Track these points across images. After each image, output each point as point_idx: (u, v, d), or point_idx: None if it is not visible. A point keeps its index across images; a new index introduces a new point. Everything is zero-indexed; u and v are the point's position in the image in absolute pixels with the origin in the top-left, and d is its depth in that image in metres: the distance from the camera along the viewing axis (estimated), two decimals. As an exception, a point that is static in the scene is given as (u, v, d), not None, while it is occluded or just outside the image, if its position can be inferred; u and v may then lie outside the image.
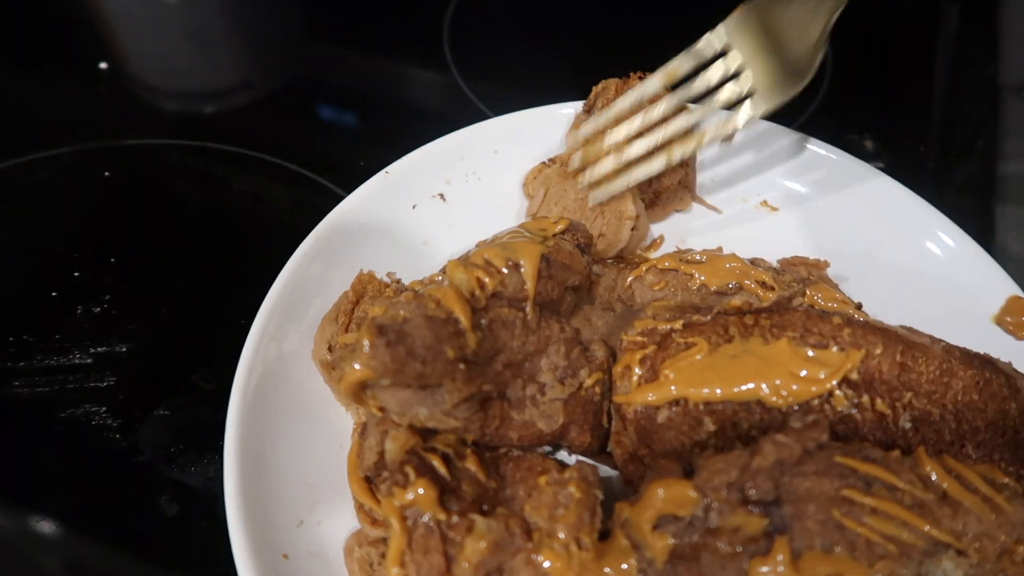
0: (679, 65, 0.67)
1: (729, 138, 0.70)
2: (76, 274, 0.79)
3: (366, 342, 0.51)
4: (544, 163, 0.75)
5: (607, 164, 0.70)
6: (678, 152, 0.68)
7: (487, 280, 0.56)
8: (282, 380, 0.62)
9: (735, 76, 0.66)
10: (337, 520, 0.57)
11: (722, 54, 0.67)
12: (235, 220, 0.86)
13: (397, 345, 0.51)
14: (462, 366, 0.53)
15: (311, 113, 1.00)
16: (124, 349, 0.74)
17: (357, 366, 0.53)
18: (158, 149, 0.92)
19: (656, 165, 0.69)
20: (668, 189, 0.75)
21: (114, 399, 0.70)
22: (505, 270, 0.57)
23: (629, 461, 0.57)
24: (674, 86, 0.68)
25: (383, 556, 0.54)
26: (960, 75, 1.05)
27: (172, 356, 0.74)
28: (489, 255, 0.58)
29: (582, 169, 0.72)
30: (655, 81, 0.68)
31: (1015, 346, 0.64)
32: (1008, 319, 0.66)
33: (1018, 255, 0.78)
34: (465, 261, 0.58)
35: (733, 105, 0.66)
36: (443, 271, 0.60)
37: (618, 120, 0.70)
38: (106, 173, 0.88)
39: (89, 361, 0.73)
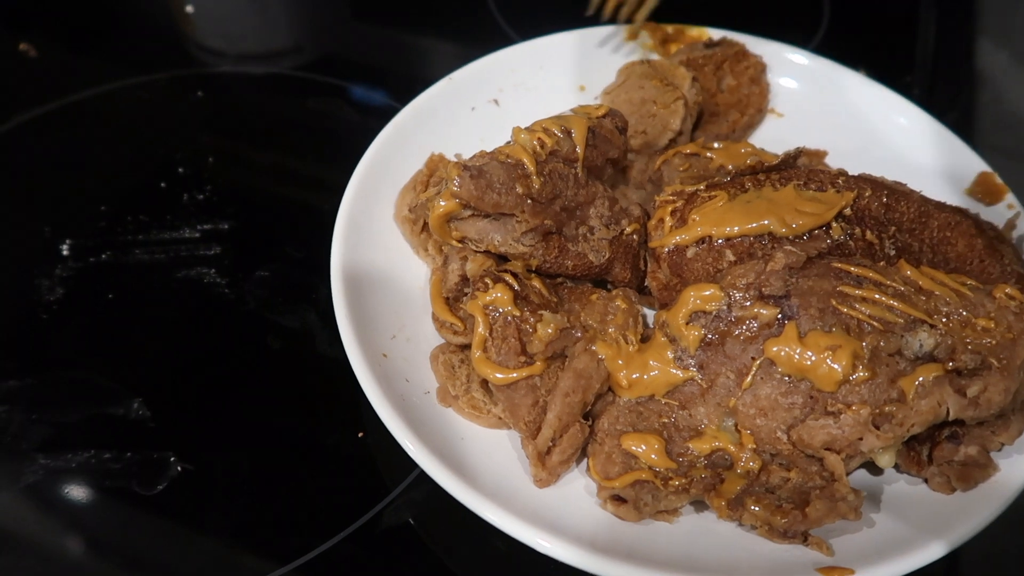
0: None
1: None
2: (180, 170, 0.92)
3: (455, 178, 0.63)
4: (640, 62, 0.88)
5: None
6: None
7: (546, 140, 0.68)
8: (369, 236, 0.74)
9: None
10: (421, 338, 0.69)
11: None
12: (311, 131, 0.99)
13: (479, 178, 0.63)
14: (529, 202, 0.65)
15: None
16: (226, 226, 0.86)
17: (443, 202, 0.65)
18: (240, 75, 1.05)
19: None
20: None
21: (221, 264, 0.83)
22: (560, 134, 0.70)
23: (663, 289, 0.69)
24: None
25: (462, 361, 0.66)
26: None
27: (267, 232, 0.87)
28: (546, 124, 0.70)
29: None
30: None
31: (985, 211, 0.76)
32: (978, 191, 0.78)
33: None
34: (527, 128, 0.70)
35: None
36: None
37: None
38: (200, 93, 1.01)
39: (197, 235, 0.85)
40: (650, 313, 0.73)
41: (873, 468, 0.62)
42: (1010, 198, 0.78)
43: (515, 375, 0.60)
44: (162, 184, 0.89)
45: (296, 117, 1.01)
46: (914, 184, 0.73)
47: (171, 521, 0.65)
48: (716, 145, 0.80)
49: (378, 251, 0.73)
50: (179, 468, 0.67)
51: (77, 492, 0.66)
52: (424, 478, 0.66)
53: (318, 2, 1.22)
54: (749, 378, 0.59)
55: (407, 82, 0.89)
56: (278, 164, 0.95)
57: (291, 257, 0.84)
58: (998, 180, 0.79)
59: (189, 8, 1.12)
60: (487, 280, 0.63)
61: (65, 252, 0.82)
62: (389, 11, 1.18)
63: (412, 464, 0.66)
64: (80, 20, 1.11)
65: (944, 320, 0.58)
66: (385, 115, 0.80)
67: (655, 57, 0.92)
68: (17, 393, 0.72)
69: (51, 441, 0.69)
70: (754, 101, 0.89)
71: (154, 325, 0.78)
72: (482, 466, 0.60)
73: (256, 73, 1.05)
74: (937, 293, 0.59)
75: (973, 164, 0.79)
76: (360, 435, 0.70)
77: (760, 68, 0.91)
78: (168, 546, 0.64)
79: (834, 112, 0.88)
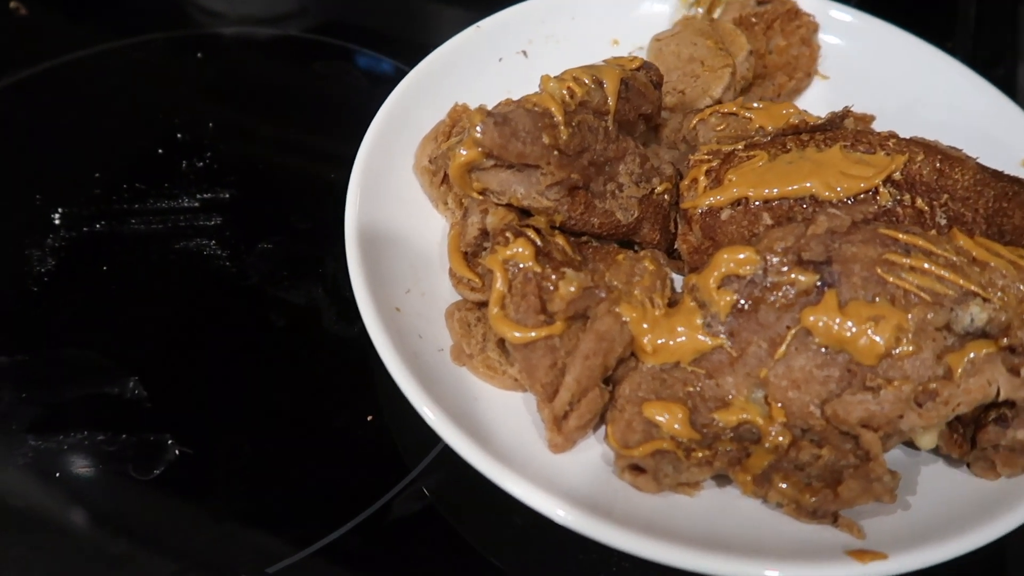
0: None
1: None
2: (179, 136, 0.88)
3: (478, 124, 0.60)
4: (701, 18, 0.85)
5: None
6: None
7: (576, 89, 0.64)
8: (387, 189, 0.70)
9: None
10: (436, 294, 0.66)
11: None
12: (316, 97, 0.95)
13: (503, 126, 0.59)
14: (556, 153, 0.61)
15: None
16: (227, 196, 0.83)
17: (465, 151, 0.61)
18: (243, 36, 1.01)
19: None
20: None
21: (221, 235, 0.79)
22: (591, 84, 0.66)
23: (694, 253, 0.65)
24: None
25: (478, 319, 0.63)
26: None
27: (270, 202, 0.83)
28: (577, 73, 0.66)
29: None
30: None
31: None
32: (1037, 161, 0.73)
33: None
34: (557, 77, 0.66)
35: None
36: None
37: None
38: (198, 55, 0.97)
39: (196, 205, 0.82)
40: (678, 279, 0.69)
41: (912, 448, 0.58)
42: (1070, 171, 0.73)
43: (533, 334, 0.57)
44: (159, 150, 0.86)
45: (301, 82, 0.97)
46: (967, 151, 0.68)
47: (169, 508, 0.62)
48: (756, 105, 0.76)
49: (395, 203, 0.70)
50: (177, 451, 0.64)
51: (70, 475, 0.63)
52: (439, 461, 0.65)
53: None
54: (783, 348, 0.56)
55: (414, 48, 0.84)
56: (282, 131, 0.91)
57: (296, 229, 0.80)
58: (1058, 151, 0.74)
59: None
60: (508, 234, 0.60)
61: (57, 221, 0.79)
62: None
63: (426, 447, 0.65)
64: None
65: (999, 294, 0.54)
66: (393, 81, 0.75)
67: (698, 12, 0.87)
68: (7, 370, 0.68)
69: (42, 421, 0.66)
70: (803, 64, 0.84)
71: (151, 299, 0.74)
72: (496, 429, 0.58)
73: (259, 36, 1.01)
74: (992, 265, 0.55)
75: (1031, 133, 0.75)
76: (369, 418, 0.67)
77: (812, 28, 0.86)
78: (165, 535, 0.61)
79: (882, 73, 0.83)
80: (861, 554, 0.51)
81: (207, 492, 0.63)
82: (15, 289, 0.74)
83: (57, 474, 0.63)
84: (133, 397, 0.67)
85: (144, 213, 0.81)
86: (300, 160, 0.89)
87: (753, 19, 0.85)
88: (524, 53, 0.83)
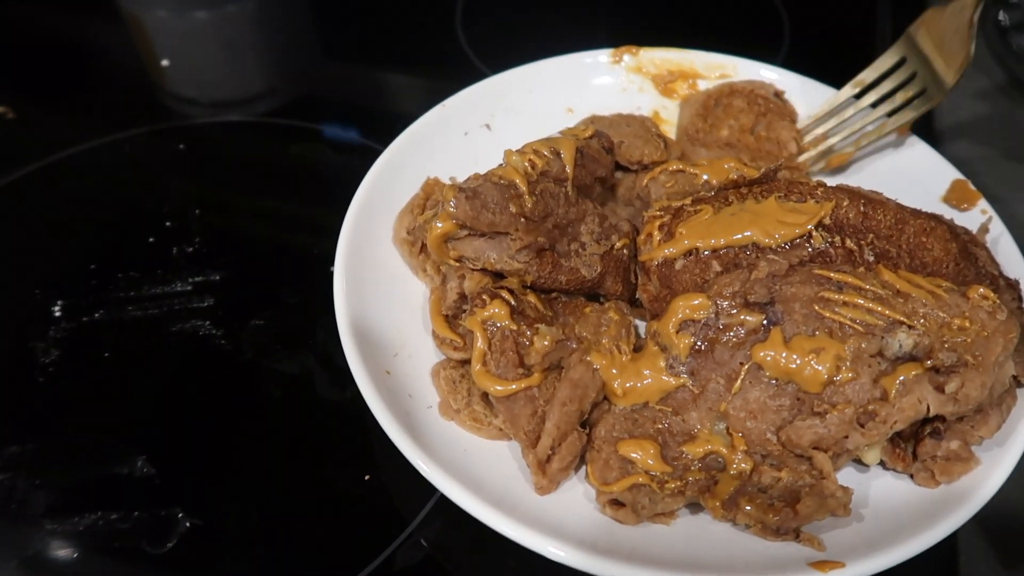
0: (865, 76, 0.89)
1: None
2: (168, 224, 0.93)
3: (452, 199, 0.66)
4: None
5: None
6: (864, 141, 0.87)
7: (537, 161, 0.71)
8: (370, 260, 0.76)
9: (908, 81, 0.86)
10: (423, 356, 0.71)
11: (898, 65, 0.87)
12: (293, 175, 1.01)
13: (474, 199, 0.66)
14: (523, 220, 0.67)
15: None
16: (218, 277, 0.87)
17: (440, 224, 0.68)
18: (219, 125, 1.07)
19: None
20: None
21: (215, 315, 0.84)
22: (549, 155, 0.73)
23: (654, 301, 0.72)
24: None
25: (463, 376, 0.69)
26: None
27: (259, 280, 0.88)
28: (536, 146, 0.73)
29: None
30: (847, 89, 0.89)
31: (960, 217, 0.79)
32: (953, 197, 0.81)
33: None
34: (518, 150, 0.73)
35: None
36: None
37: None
38: (180, 146, 1.03)
39: (189, 288, 0.86)
40: (642, 324, 0.75)
41: (861, 465, 0.65)
42: (983, 204, 0.81)
43: (514, 386, 0.63)
44: (150, 239, 0.91)
45: (277, 162, 1.03)
46: (891, 194, 0.76)
47: (184, 578, 0.65)
48: (702, 162, 0.84)
49: (379, 274, 0.76)
50: (188, 524, 0.68)
51: (87, 556, 0.66)
52: (435, 513, 0.69)
53: (290, 44, 1.24)
54: (738, 383, 0.62)
55: (384, 119, 0.90)
56: (264, 210, 0.97)
57: (286, 303, 0.85)
58: (971, 187, 0.82)
59: (165, 62, 1.15)
60: (484, 296, 0.66)
61: (57, 313, 0.83)
62: (361, 49, 1.21)
63: (422, 501, 0.69)
64: (56, 79, 1.12)
65: (922, 321, 0.61)
66: (364, 153, 0.81)
67: (644, 83, 0.95)
68: (19, 459, 0.72)
69: (57, 505, 0.69)
70: (766, 159, 0.89)
71: (152, 381, 0.79)
72: (486, 477, 0.62)
73: (233, 121, 1.07)
74: (914, 295, 0.62)
75: (947, 172, 0.83)
76: (367, 477, 0.71)
77: (793, 134, 0.90)
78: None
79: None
80: (822, 564, 0.56)
81: (218, 560, 0.67)
82: (22, 380, 0.78)
83: (75, 555, 0.66)
84: (142, 475, 0.71)
85: (140, 300, 0.85)
86: (284, 236, 0.95)
87: (760, 100, 0.90)
88: (487, 126, 0.90)
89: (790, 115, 0.91)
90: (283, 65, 1.21)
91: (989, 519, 0.62)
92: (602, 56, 0.95)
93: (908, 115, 0.85)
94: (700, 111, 0.91)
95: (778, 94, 0.92)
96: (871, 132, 0.87)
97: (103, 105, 1.09)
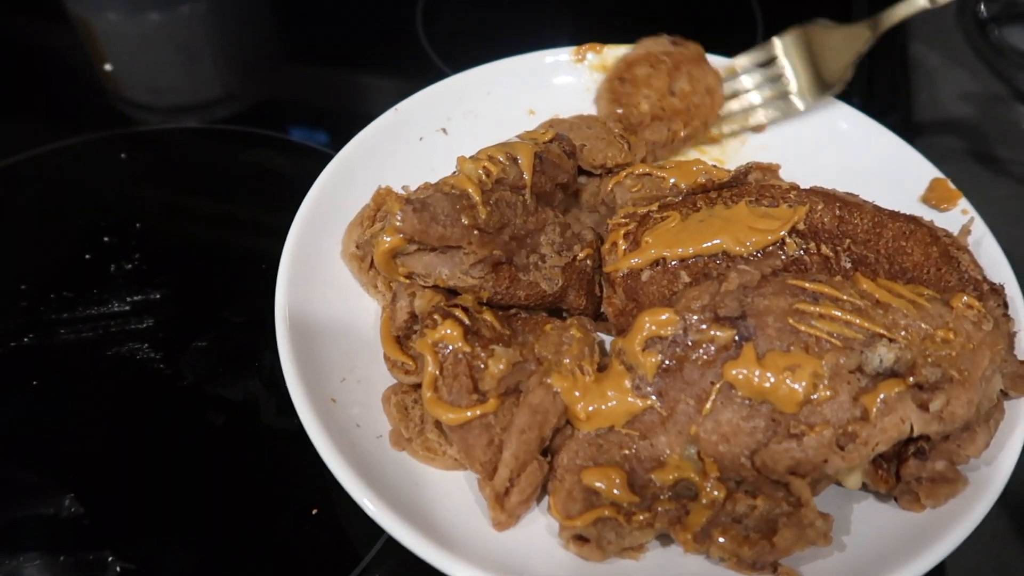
0: (736, 62, 0.89)
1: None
2: (106, 239, 0.87)
3: (397, 212, 0.61)
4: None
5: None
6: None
7: (492, 168, 0.67)
8: (317, 276, 0.71)
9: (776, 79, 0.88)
10: (374, 379, 0.66)
11: (769, 61, 0.88)
12: (244, 183, 0.96)
13: (422, 211, 0.61)
14: (476, 232, 0.63)
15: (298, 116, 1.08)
16: (158, 296, 0.82)
17: (388, 239, 0.63)
18: (166, 132, 1.02)
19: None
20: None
21: (154, 337, 0.79)
22: (506, 162, 0.68)
23: (620, 315, 0.67)
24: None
25: (415, 401, 0.64)
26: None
27: (202, 298, 0.83)
28: (491, 152, 0.69)
29: None
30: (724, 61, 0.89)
31: (940, 218, 0.75)
32: (932, 197, 0.77)
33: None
34: (472, 157, 0.68)
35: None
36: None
37: None
38: (122, 155, 0.97)
39: (127, 308, 0.81)
40: (608, 339, 0.71)
41: (842, 488, 0.60)
42: (964, 203, 0.77)
43: (468, 414, 0.58)
44: (87, 256, 0.85)
45: (228, 170, 0.97)
46: (868, 194, 0.72)
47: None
48: (668, 164, 0.79)
49: (326, 290, 0.71)
50: (118, 568, 0.63)
51: None
52: (390, 547, 0.64)
53: (249, 47, 1.19)
54: (709, 403, 0.58)
55: (345, 121, 0.86)
56: (211, 223, 0.92)
57: (230, 323, 0.80)
58: (951, 186, 0.78)
59: (108, 67, 1.09)
60: (436, 316, 0.61)
61: None
62: (322, 51, 1.16)
63: (376, 533, 0.64)
64: (-1, 85, 1.06)
65: (903, 333, 0.57)
66: (323, 160, 0.76)
67: (599, 77, 0.90)
68: None
69: None
70: (702, 112, 0.87)
71: (84, 411, 0.73)
72: (439, 513, 0.58)
73: (189, 127, 1.02)
74: (894, 306, 0.58)
75: (926, 170, 0.79)
76: (314, 511, 0.66)
77: (718, 78, 0.89)
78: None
79: (783, 125, 0.87)
80: (802, 600, 0.52)
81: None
82: (-59, 411, 0.72)
83: (-6, 605, 0.61)
84: (69, 515, 0.65)
85: (73, 322, 0.80)
86: (231, 251, 0.89)
87: (663, 57, 0.87)
88: (444, 131, 0.85)
89: (699, 55, 0.88)
90: (241, 68, 1.15)
91: (979, 543, 0.58)
92: (564, 55, 0.90)
93: (761, 116, 0.87)
94: (611, 98, 0.87)
95: (675, 42, 0.89)
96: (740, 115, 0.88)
97: (50, 111, 1.03)
